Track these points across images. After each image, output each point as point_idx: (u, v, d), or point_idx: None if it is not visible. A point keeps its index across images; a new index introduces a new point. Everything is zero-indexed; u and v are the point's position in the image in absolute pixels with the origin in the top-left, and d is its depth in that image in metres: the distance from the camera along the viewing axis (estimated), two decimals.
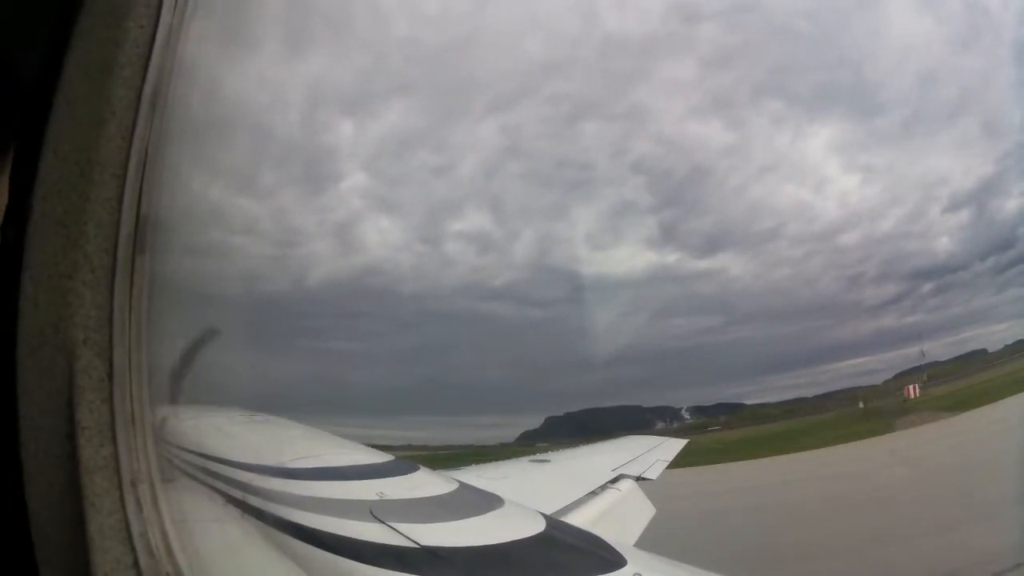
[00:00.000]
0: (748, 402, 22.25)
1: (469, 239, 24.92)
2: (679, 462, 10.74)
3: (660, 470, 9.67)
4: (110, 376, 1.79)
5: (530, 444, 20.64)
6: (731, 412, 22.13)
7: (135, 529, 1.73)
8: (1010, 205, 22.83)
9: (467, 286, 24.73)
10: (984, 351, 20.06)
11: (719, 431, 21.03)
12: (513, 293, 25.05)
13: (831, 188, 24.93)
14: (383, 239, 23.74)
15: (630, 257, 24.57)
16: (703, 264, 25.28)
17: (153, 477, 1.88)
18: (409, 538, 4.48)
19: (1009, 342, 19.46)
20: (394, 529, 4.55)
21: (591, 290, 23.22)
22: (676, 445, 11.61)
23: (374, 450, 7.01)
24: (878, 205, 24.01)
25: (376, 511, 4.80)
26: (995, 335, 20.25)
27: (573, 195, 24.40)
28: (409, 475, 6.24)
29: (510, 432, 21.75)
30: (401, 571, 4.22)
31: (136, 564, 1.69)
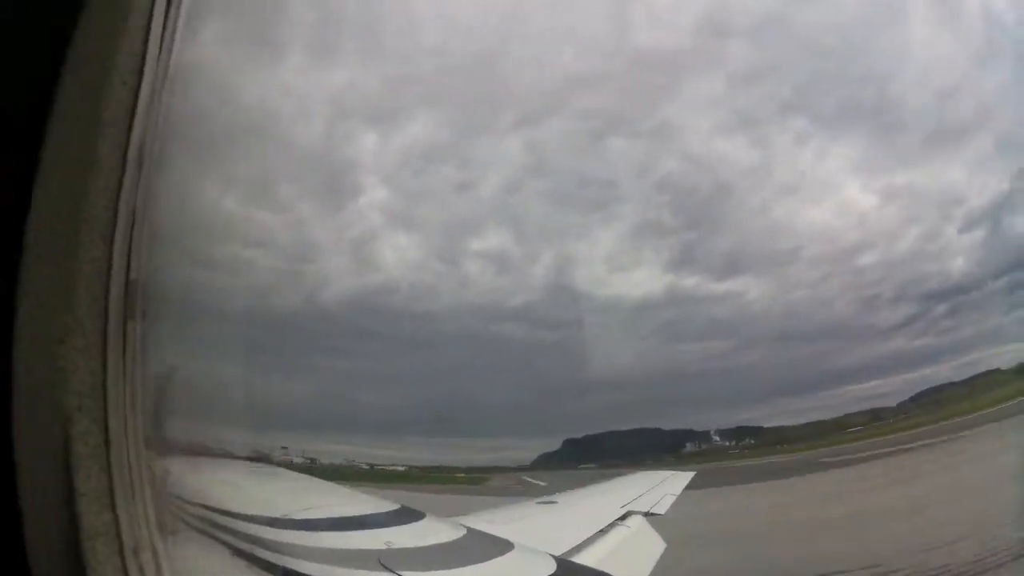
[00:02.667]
0: (767, 425, 22.05)
1: (488, 258, 24.72)
2: None
3: (668, 504, 9.56)
4: (107, 443, 1.76)
5: (548, 466, 20.56)
6: (750, 435, 21.93)
7: None
8: (1023, 223, 22.78)
9: (484, 307, 24.45)
10: (997, 371, 19.95)
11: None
12: (530, 314, 24.73)
13: (851, 209, 24.53)
14: (400, 257, 23.53)
15: (649, 279, 24.35)
16: (722, 287, 24.89)
17: (155, 543, 1.84)
18: None
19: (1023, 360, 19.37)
20: None
21: (609, 312, 23.07)
22: (683, 478, 11.49)
23: (379, 499, 6.97)
24: (896, 225, 23.72)
25: (385, 560, 4.76)
26: (1005, 355, 20.09)
27: (595, 215, 24.40)
28: (416, 523, 6.18)
29: (527, 455, 21.61)
30: None
31: None
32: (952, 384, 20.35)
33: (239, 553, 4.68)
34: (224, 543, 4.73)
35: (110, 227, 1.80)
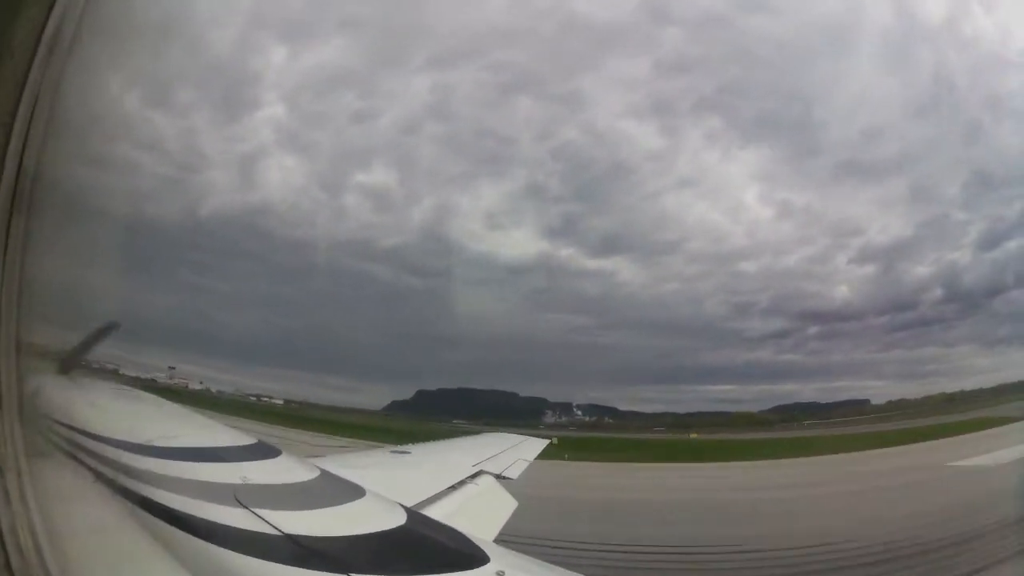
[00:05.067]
0: (620, 407, 22.78)
1: (368, 194, 24.08)
2: None
3: (521, 469, 9.85)
4: None
5: (399, 415, 20.68)
6: (605, 415, 22.65)
7: (3, 523, 1.56)
8: (918, 271, 23.53)
9: (356, 243, 23.86)
10: (867, 402, 21.24)
11: None
12: (400, 258, 24.35)
13: (743, 215, 25.08)
14: (284, 179, 22.70)
15: (524, 242, 24.33)
16: (594, 264, 25.41)
17: (20, 463, 1.71)
18: (271, 524, 4.39)
19: (894, 398, 20.82)
20: (257, 515, 4.45)
21: (479, 268, 23.01)
22: (537, 445, 11.85)
23: (238, 432, 6.78)
24: (786, 241, 24.02)
25: (240, 495, 4.67)
26: (872, 390, 21.37)
27: (485, 168, 24.02)
28: (272, 459, 6.09)
29: (379, 399, 21.61)
30: (263, 558, 4.14)
31: (8, 566, 1.52)
32: (815, 405, 21.59)
33: (101, 478, 4.52)
34: (88, 467, 4.57)
35: (11, 114, 1.63)
